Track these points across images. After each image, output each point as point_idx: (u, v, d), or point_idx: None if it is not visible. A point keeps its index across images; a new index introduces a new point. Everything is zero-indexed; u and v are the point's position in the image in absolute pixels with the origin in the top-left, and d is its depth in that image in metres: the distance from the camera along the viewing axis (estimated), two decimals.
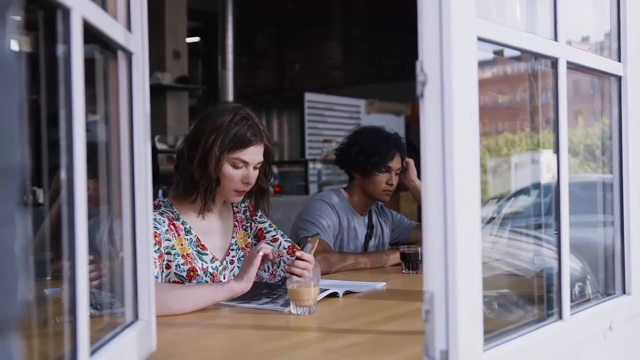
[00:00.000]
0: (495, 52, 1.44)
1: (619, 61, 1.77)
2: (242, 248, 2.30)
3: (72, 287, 0.97)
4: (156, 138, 6.85)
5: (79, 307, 0.98)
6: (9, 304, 0.56)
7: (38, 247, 1.40)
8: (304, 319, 1.78)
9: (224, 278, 2.21)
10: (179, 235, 2.14)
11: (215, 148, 2.09)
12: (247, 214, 2.36)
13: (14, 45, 0.59)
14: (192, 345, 1.60)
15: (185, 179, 2.15)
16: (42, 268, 1.51)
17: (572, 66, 1.54)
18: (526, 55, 1.56)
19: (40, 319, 1.22)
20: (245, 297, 1.97)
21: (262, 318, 1.80)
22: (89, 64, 1.05)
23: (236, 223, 2.32)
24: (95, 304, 1.27)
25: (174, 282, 2.10)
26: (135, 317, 1.33)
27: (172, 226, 2.13)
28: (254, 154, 2.15)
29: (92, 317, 1.05)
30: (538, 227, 1.90)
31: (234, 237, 2.29)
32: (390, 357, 1.44)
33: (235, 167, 2.14)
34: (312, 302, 1.82)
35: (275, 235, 2.34)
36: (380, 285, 2.31)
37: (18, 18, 0.60)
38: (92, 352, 1.06)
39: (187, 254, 2.13)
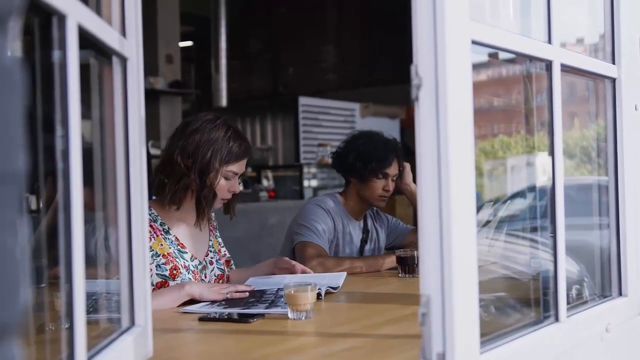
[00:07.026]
0: (490, 55, 1.44)
1: (613, 63, 1.77)
2: (217, 252, 2.41)
3: (69, 294, 0.97)
4: (149, 143, 6.84)
5: (76, 314, 0.98)
6: (10, 309, 0.56)
7: (33, 254, 1.39)
8: (301, 324, 1.78)
9: (205, 277, 2.31)
10: (157, 236, 2.21)
11: (215, 162, 2.20)
12: (215, 223, 2.48)
13: (14, 51, 0.59)
14: (188, 350, 1.60)
15: (181, 188, 2.21)
16: (38, 275, 1.51)
17: (566, 69, 1.54)
18: (521, 57, 1.56)
19: (36, 325, 1.22)
20: (244, 305, 1.97)
21: (259, 323, 1.79)
22: (83, 70, 1.05)
23: (211, 228, 2.44)
24: (89, 309, 1.26)
25: (157, 283, 2.15)
26: (132, 322, 1.33)
27: (149, 228, 2.17)
28: (244, 166, 2.30)
29: (88, 322, 1.04)
30: (534, 229, 1.90)
31: (210, 240, 2.40)
32: None
33: (226, 178, 2.25)
34: (309, 307, 1.82)
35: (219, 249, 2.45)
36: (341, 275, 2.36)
37: (18, 25, 0.61)
38: (89, 359, 1.05)
39: (167, 254, 2.20)
